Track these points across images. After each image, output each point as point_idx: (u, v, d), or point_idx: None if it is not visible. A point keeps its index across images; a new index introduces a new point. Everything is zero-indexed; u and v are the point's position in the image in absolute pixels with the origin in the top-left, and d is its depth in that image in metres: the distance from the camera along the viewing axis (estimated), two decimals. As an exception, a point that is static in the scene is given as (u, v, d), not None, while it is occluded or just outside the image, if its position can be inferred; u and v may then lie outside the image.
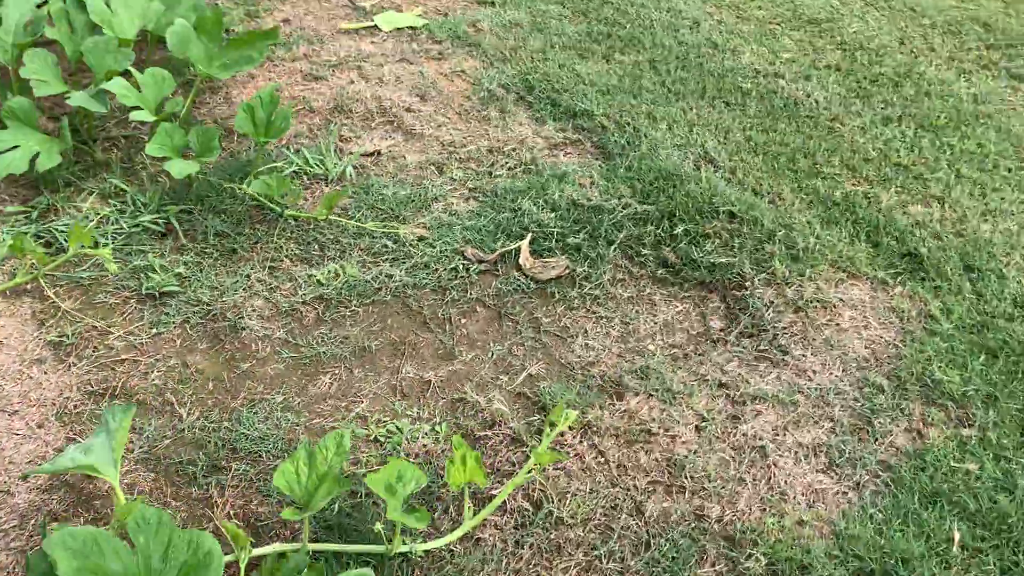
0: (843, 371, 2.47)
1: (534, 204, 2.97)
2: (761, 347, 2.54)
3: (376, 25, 4.14)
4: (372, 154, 3.26)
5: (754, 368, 2.48)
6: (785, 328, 2.57)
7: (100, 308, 2.56)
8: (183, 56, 3.14)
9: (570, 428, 2.24)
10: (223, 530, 1.75)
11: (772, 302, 2.65)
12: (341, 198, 2.91)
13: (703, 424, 2.30)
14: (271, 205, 2.87)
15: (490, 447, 2.22)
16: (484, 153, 3.28)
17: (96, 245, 2.69)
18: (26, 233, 2.70)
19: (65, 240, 2.74)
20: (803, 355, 2.50)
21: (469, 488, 1.97)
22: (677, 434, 2.26)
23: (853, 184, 3.17)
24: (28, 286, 2.58)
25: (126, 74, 2.96)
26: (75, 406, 2.25)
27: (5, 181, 2.92)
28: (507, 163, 3.23)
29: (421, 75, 3.72)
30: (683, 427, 2.28)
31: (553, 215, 2.93)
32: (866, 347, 2.54)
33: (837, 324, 2.60)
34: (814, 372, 2.46)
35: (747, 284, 2.71)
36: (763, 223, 2.88)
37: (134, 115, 2.80)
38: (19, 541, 1.95)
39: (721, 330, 2.63)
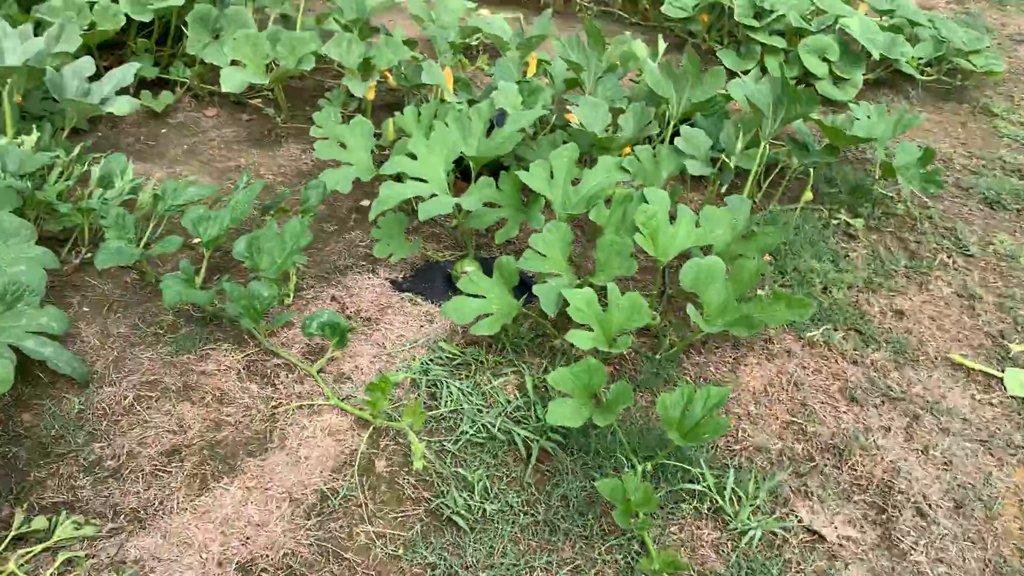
0: None
1: None
2: None
3: (1002, 380, 3.02)
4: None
5: None
6: None
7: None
8: (689, 291, 2.71)
9: None
10: None
11: None
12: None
13: None
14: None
15: None
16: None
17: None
18: (411, 377, 2.66)
19: (446, 403, 2.63)
20: None
21: None
22: None
23: None
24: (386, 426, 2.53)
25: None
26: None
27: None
28: None
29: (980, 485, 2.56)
30: None
31: None
32: None
33: None
34: None
35: None
36: None
37: (575, 337, 2.50)
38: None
39: None
